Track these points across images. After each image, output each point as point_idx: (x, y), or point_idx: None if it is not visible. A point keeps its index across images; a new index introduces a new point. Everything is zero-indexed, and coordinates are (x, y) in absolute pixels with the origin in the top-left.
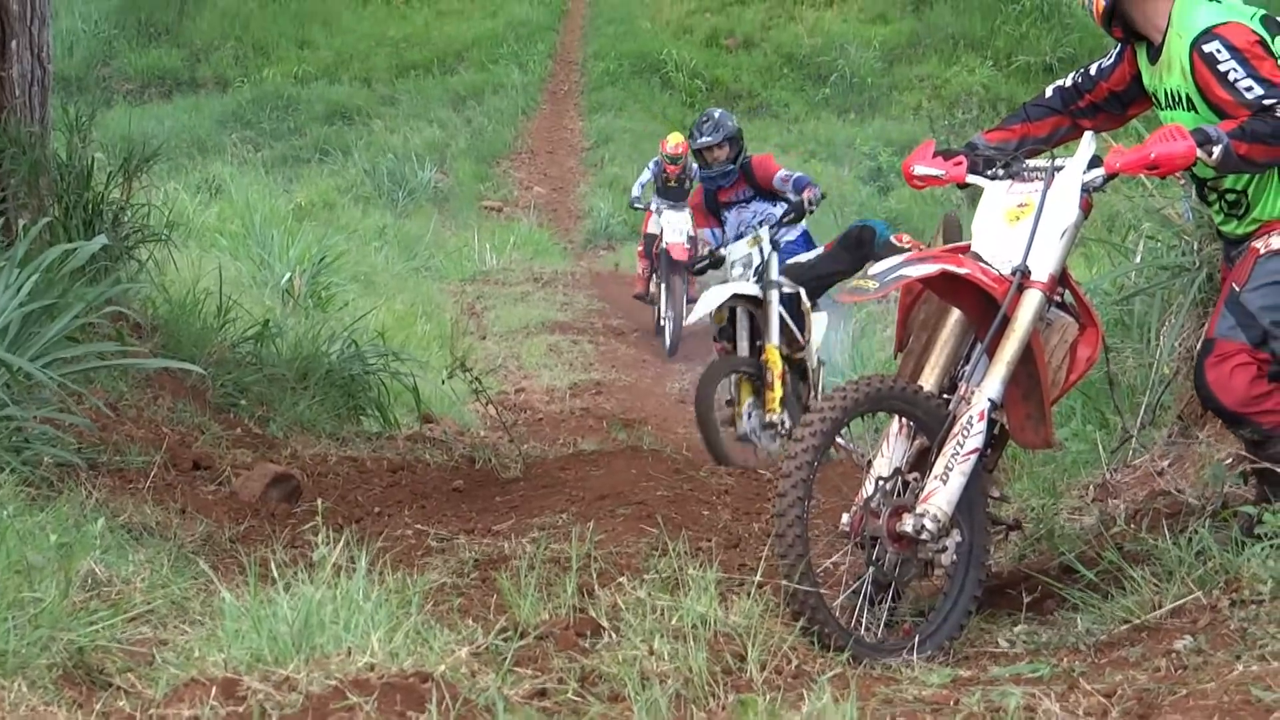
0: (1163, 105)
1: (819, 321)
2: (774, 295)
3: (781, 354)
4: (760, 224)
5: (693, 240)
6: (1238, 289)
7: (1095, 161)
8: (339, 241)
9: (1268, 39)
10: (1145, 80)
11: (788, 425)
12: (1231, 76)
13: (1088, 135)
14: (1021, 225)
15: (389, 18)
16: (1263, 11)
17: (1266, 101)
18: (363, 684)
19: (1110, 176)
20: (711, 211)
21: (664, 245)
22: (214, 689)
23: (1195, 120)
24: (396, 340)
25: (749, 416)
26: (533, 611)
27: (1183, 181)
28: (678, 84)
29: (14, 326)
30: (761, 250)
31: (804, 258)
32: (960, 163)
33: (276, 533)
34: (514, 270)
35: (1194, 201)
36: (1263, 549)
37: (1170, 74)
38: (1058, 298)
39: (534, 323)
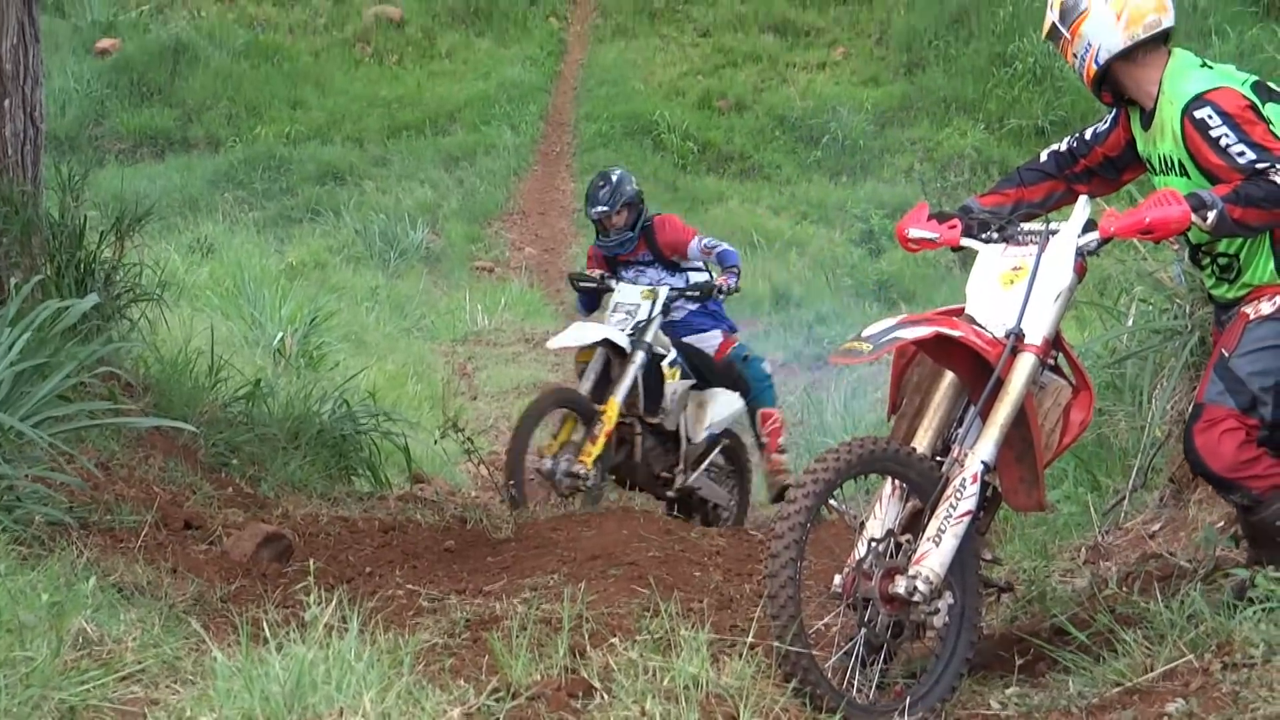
0: (1156, 171)
1: (724, 403)
2: (639, 357)
3: (622, 413)
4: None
5: None
6: (1227, 354)
7: (1090, 225)
8: (330, 301)
9: (1259, 104)
10: (1139, 146)
11: (591, 483)
12: (1223, 142)
13: (1082, 199)
14: (1016, 288)
15: (381, 79)
16: (1254, 77)
17: (1259, 165)
18: None
19: (1105, 240)
20: (609, 268)
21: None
22: None
23: (1188, 186)
24: (388, 400)
25: (560, 458)
26: (525, 672)
27: (1175, 246)
28: (670, 145)
29: (6, 385)
30: (652, 307)
31: (702, 344)
32: (954, 226)
33: (268, 592)
34: (505, 331)
35: (1186, 265)
36: (1255, 612)
37: (1163, 140)
38: (1051, 361)
39: (525, 383)
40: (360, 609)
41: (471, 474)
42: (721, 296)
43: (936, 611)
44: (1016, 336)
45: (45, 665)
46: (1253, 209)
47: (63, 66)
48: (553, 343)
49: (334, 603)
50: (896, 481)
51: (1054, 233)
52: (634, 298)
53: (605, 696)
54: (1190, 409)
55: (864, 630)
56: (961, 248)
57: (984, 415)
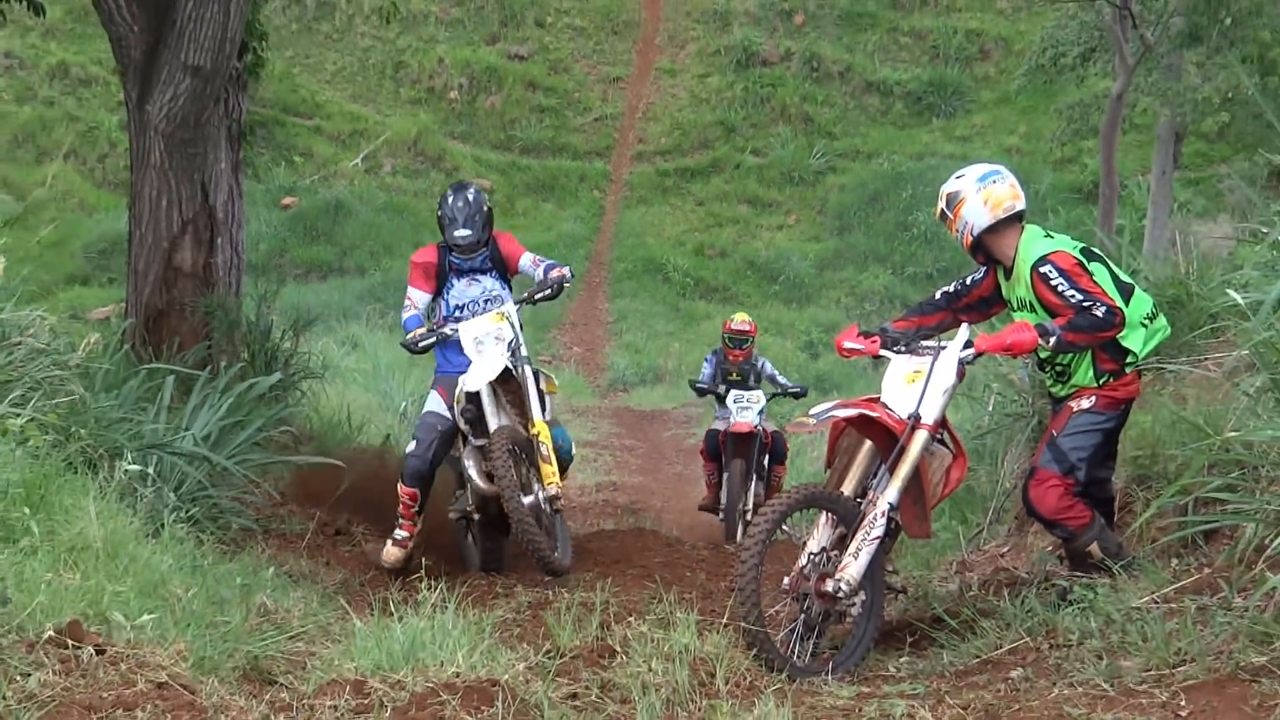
0: (1014, 308)
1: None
2: (528, 369)
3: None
4: (491, 299)
5: (762, 415)
6: (1056, 434)
7: (968, 344)
8: None
9: (1084, 262)
10: (1003, 290)
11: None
12: (1060, 288)
13: (965, 326)
14: (916, 385)
15: None
16: (1082, 244)
17: (1085, 304)
18: (451, 686)
19: (979, 354)
20: (437, 276)
21: (730, 424)
22: (347, 687)
23: (1036, 318)
24: None
25: (530, 490)
26: (569, 640)
27: (1027, 360)
28: (674, 280)
29: (215, 434)
30: (512, 325)
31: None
32: (875, 341)
33: (393, 581)
34: (559, 405)
35: (1031, 370)
36: (1072, 610)
37: (1018, 286)
38: (939, 435)
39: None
40: (456, 594)
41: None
42: (567, 284)
43: (854, 605)
44: (915, 418)
45: (237, 627)
46: (1080, 334)
47: (257, 215)
48: (471, 384)
49: (438, 590)
50: (829, 514)
51: (944, 348)
52: (488, 327)
53: (624, 657)
54: (1027, 470)
55: (803, 615)
56: (880, 356)
57: (891, 471)
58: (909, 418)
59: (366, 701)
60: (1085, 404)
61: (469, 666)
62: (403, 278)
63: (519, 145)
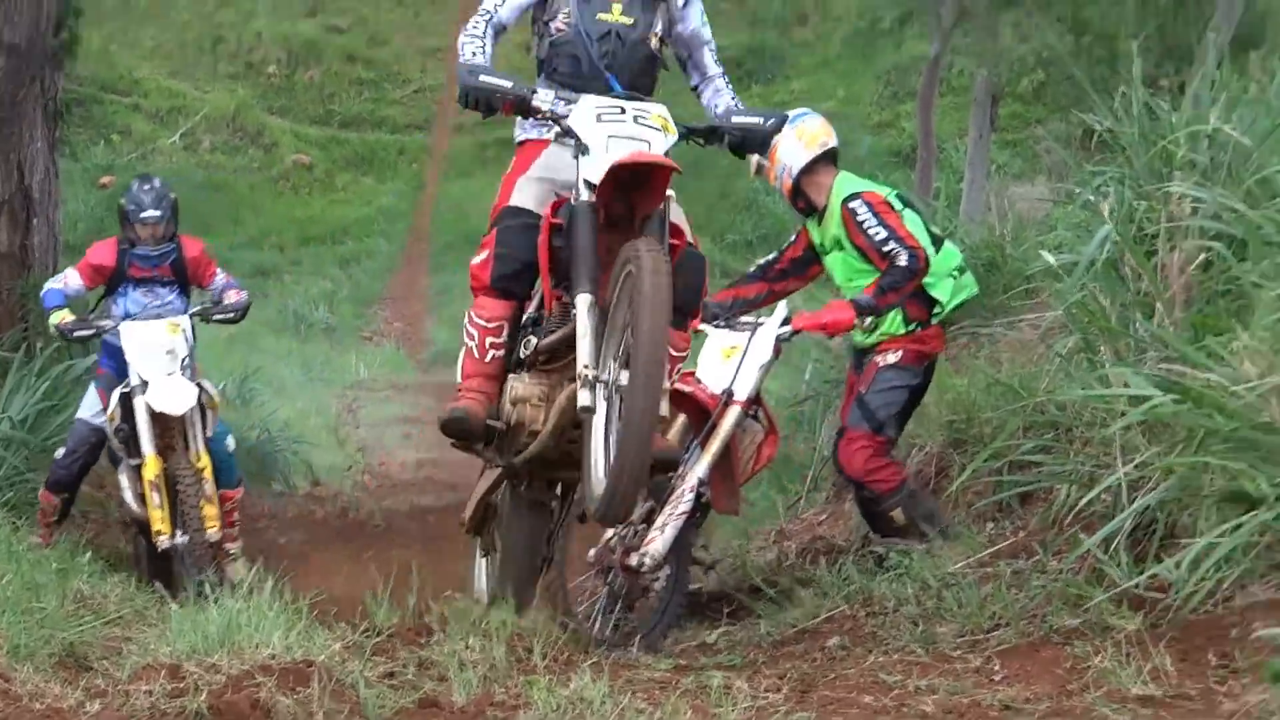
0: (826, 251)
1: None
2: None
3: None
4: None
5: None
6: (863, 391)
7: (786, 321)
8: (257, 359)
9: (897, 205)
10: (814, 235)
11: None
12: (865, 224)
13: (782, 303)
14: (731, 361)
15: (296, 203)
16: (898, 190)
17: (886, 247)
18: (267, 668)
19: (796, 332)
20: (109, 280)
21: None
22: (163, 671)
23: (845, 259)
24: (296, 429)
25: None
26: (386, 618)
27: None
28: None
29: (31, 418)
30: (186, 339)
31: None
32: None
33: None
34: (379, 381)
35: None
36: (888, 577)
37: (830, 226)
38: (753, 412)
39: (393, 417)
40: (273, 574)
41: (355, 481)
42: (241, 317)
43: (657, 579)
44: (729, 394)
45: (54, 613)
46: (891, 293)
47: (74, 195)
48: (167, 407)
49: (254, 570)
50: None
51: (761, 324)
52: (159, 337)
53: (441, 635)
54: (837, 430)
55: (606, 589)
56: (699, 330)
57: (703, 446)
58: (722, 394)
59: (182, 685)
60: (891, 359)
61: (285, 648)
62: (221, 254)
63: (338, 119)
